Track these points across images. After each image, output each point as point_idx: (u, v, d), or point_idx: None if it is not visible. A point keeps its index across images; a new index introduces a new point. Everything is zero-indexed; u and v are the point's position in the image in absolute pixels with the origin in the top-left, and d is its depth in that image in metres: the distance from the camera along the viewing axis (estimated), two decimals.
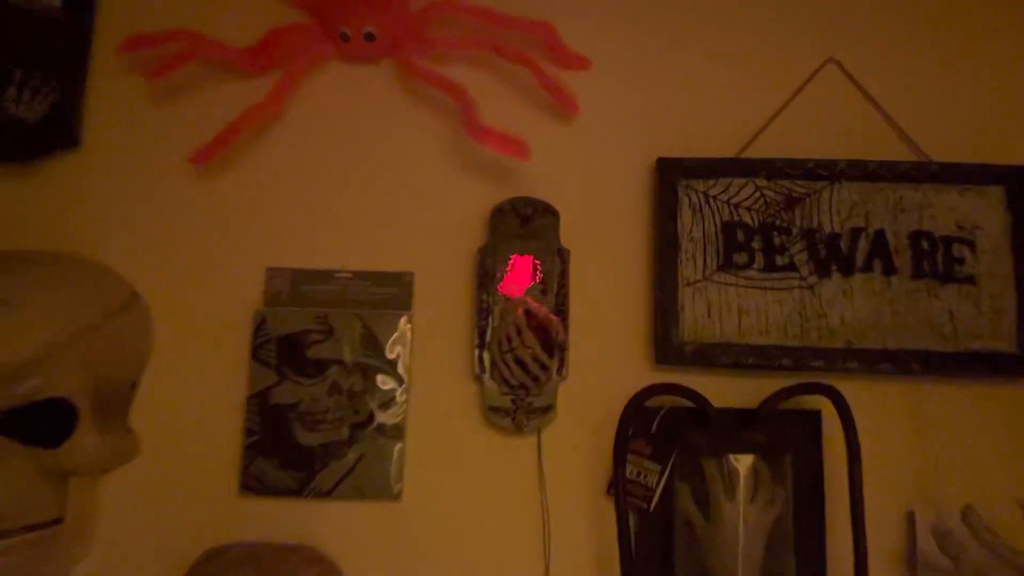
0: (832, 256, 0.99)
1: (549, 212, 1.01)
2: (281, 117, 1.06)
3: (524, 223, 1.01)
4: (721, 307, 0.98)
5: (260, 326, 1.01)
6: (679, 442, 0.95)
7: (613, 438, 0.91)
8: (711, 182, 1.01)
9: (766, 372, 0.98)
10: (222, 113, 1.02)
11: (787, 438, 0.95)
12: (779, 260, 0.99)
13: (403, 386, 0.99)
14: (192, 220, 1.04)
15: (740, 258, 0.99)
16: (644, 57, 1.07)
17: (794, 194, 1.01)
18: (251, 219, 1.04)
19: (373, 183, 1.05)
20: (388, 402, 0.99)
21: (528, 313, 0.96)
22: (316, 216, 1.04)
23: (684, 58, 1.07)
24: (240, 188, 1.05)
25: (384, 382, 0.99)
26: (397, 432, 0.98)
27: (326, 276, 1.03)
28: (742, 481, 0.92)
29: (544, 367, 0.95)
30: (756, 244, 1.00)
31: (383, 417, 0.98)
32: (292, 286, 1.03)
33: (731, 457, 0.93)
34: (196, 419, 0.99)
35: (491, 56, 1.04)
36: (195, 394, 1.00)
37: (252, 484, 0.97)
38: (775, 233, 1.00)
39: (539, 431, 0.98)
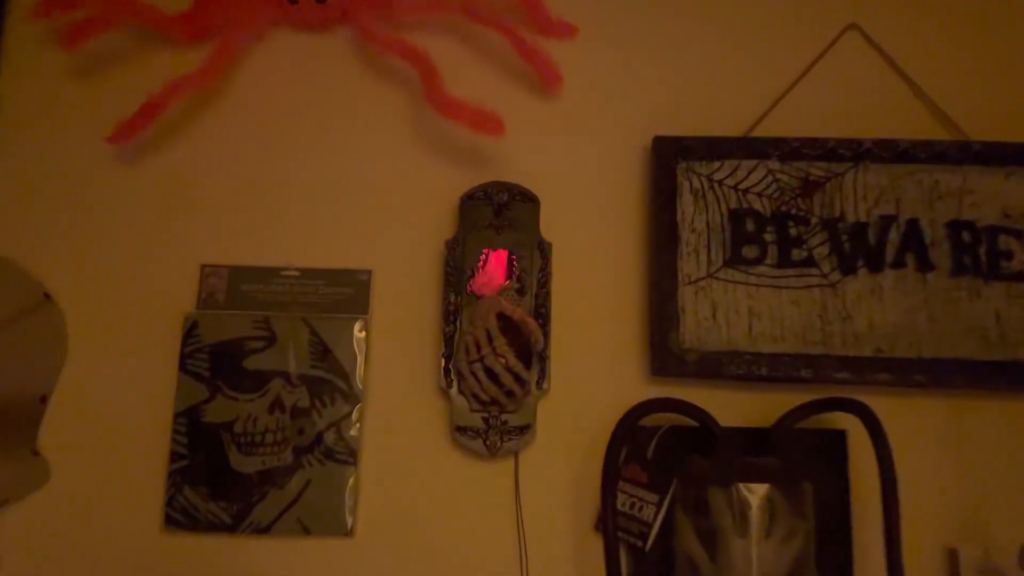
0: (858, 249, 0.85)
1: (527, 199, 0.87)
2: (219, 91, 0.92)
3: (498, 212, 0.87)
4: (728, 309, 0.84)
5: (190, 332, 0.86)
6: (680, 468, 0.80)
7: (602, 463, 0.76)
8: (716, 164, 0.87)
9: (782, 385, 0.83)
10: (154, 88, 0.88)
11: (807, 463, 0.80)
12: (796, 254, 0.85)
13: (357, 402, 0.85)
14: (115, 210, 0.91)
15: (750, 252, 0.85)
16: (637, 23, 0.93)
17: (812, 178, 0.86)
18: (184, 209, 0.91)
19: (326, 168, 0.91)
20: (340, 421, 0.84)
21: (502, 316, 0.82)
22: (259, 206, 0.91)
23: (684, 24, 0.93)
24: (171, 173, 0.92)
25: (335, 398, 0.85)
26: (350, 456, 0.83)
27: (270, 274, 0.89)
28: (755, 514, 0.78)
29: (520, 379, 0.81)
30: (769, 235, 0.86)
31: (333, 439, 0.84)
32: (230, 286, 0.89)
33: (741, 486, 0.78)
34: (114, 441, 0.85)
35: (461, 21, 0.90)
36: (113, 411, 0.86)
37: (178, 518, 0.83)
38: (791, 223, 0.86)
39: (516, 455, 0.83)
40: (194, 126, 0.92)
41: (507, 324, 0.82)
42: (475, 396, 0.82)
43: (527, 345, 0.82)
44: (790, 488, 0.79)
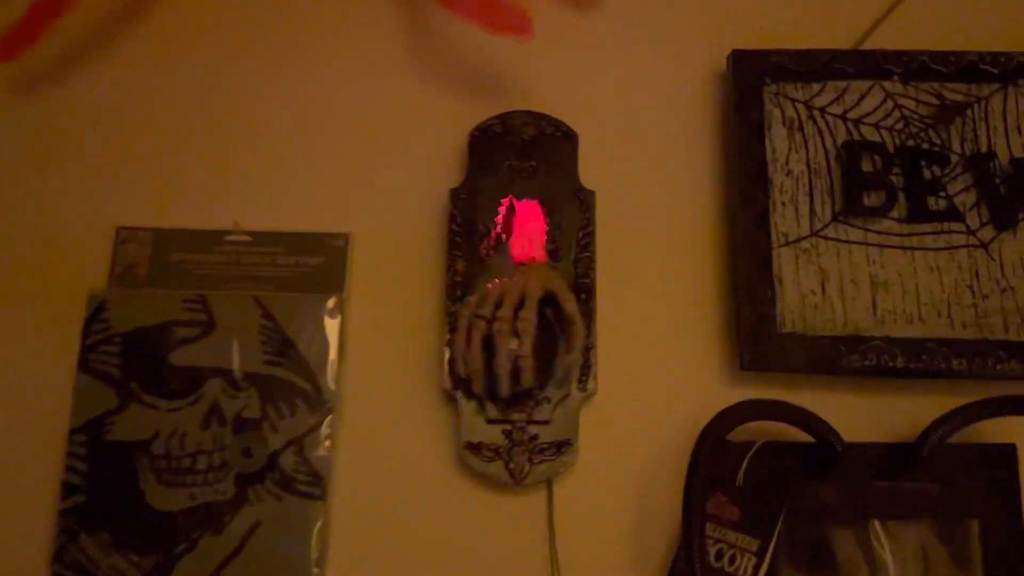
0: (1017, 196, 0.62)
1: (562, 134, 0.64)
2: None
3: (523, 152, 0.64)
4: (843, 278, 0.61)
5: (96, 316, 0.62)
6: (787, 500, 0.56)
7: (678, 496, 0.53)
8: (816, 87, 0.65)
9: (924, 382, 0.60)
10: None
11: (971, 492, 0.57)
12: (932, 203, 0.62)
13: (329, 412, 0.60)
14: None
15: (872, 199, 0.62)
16: None
17: (948, 102, 0.64)
18: (95, 153, 0.67)
19: (287, 97, 0.68)
20: (303, 437, 0.60)
21: (548, 298, 0.59)
22: (197, 148, 0.67)
23: None
24: (80, 106, 0.68)
25: (297, 405, 0.61)
26: (316, 486, 0.59)
27: (210, 239, 0.65)
28: (901, 565, 0.54)
29: (515, 381, 0.57)
30: (896, 179, 0.63)
31: (293, 462, 0.60)
32: (155, 255, 0.65)
33: (878, 525, 0.55)
34: None
35: None
36: None
37: (71, 574, 0.58)
38: (923, 163, 0.63)
39: (550, 483, 0.59)
40: (109, 42, 0.69)
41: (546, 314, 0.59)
42: (451, 360, 0.58)
43: (552, 351, 0.58)
44: (949, 527, 0.55)
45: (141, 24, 0.69)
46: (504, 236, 0.62)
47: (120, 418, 0.61)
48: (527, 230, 0.61)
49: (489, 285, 0.58)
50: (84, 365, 0.62)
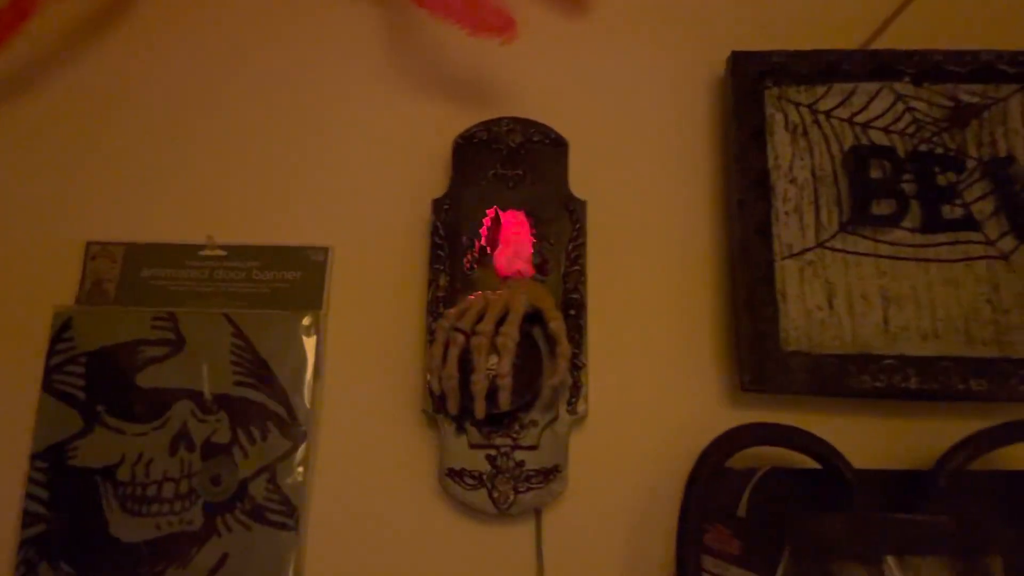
0: None
1: (551, 141, 0.61)
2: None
3: (509, 159, 0.61)
4: (851, 292, 0.57)
5: (61, 335, 0.59)
6: (793, 533, 0.52)
7: (673, 526, 0.49)
8: (820, 89, 0.61)
9: (941, 405, 0.55)
10: None
11: (992, 524, 0.52)
12: (947, 211, 0.58)
13: (303, 437, 0.57)
14: None
15: (881, 208, 0.58)
16: None
17: (963, 104, 0.60)
18: (64, 165, 0.64)
19: (265, 104, 0.65)
20: (275, 463, 0.57)
21: (532, 316, 0.55)
22: (171, 158, 0.64)
23: None
24: (48, 115, 0.66)
25: (269, 430, 0.57)
26: (290, 516, 0.56)
27: (183, 253, 0.62)
28: None
29: (491, 402, 0.53)
30: (907, 186, 0.59)
31: (265, 491, 0.56)
32: (125, 271, 0.62)
33: (891, 562, 0.50)
34: None
35: None
36: None
37: None
38: (937, 168, 0.59)
39: (538, 513, 0.55)
40: (84, 48, 0.66)
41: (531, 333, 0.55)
42: (427, 370, 0.54)
43: (536, 366, 0.55)
44: (969, 563, 0.50)
45: (112, 33, 0.67)
46: (489, 249, 0.58)
47: (84, 442, 0.57)
48: (513, 243, 0.58)
49: (472, 296, 0.55)
50: (48, 386, 0.58)
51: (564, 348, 0.54)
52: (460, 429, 0.55)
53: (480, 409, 0.53)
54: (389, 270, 0.61)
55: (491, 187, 0.60)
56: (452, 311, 0.54)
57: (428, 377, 0.54)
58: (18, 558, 0.55)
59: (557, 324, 0.54)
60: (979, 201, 0.58)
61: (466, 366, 0.53)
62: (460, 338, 0.53)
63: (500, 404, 0.53)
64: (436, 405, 0.56)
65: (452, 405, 0.53)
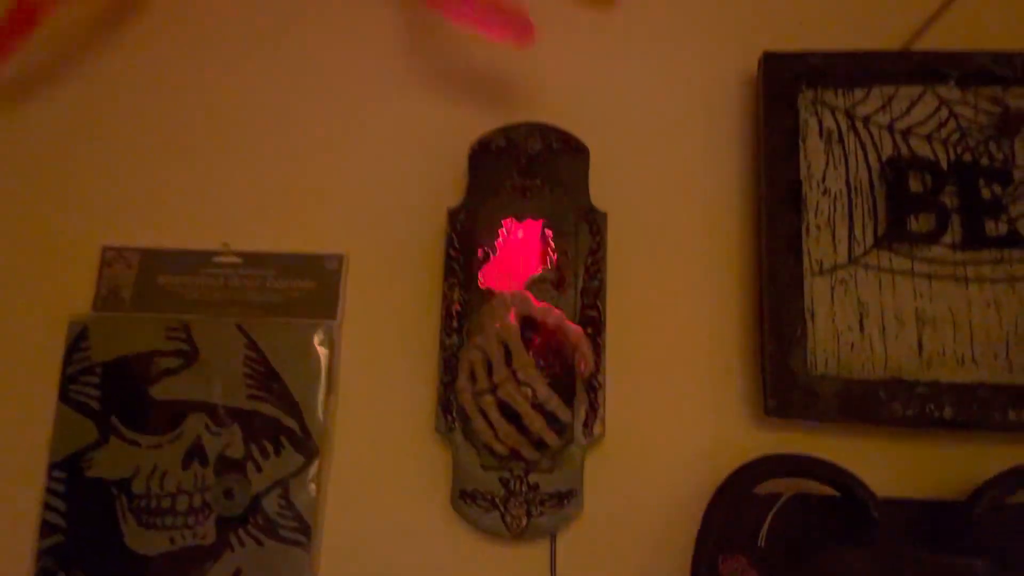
0: None
1: (571, 149, 0.59)
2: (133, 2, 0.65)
3: (528, 168, 0.58)
4: (885, 313, 0.54)
5: (77, 344, 0.59)
6: (815, 568, 0.50)
7: (689, 554, 0.47)
8: (859, 93, 0.58)
9: (977, 434, 0.53)
10: None
11: None
12: (991, 228, 0.55)
13: (316, 452, 0.56)
14: None
15: (920, 224, 0.55)
16: None
17: (1014, 109, 0.56)
18: (79, 168, 0.64)
19: (280, 110, 0.64)
20: (288, 479, 0.56)
21: (528, 322, 0.53)
22: (187, 164, 0.63)
23: None
24: (65, 117, 0.65)
25: (282, 444, 0.57)
26: (302, 533, 0.55)
27: (198, 260, 0.61)
28: None
29: (555, 422, 0.51)
30: (948, 199, 0.55)
31: (278, 506, 0.56)
32: (140, 277, 0.61)
33: None
34: None
35: None
36: None
37: None
38: (982, 180, 0.55)
39: (552, 536, 0.54)
40: (100, 51, 0.65)
41: (539, 336, 0.53)
42: (487, 447, 0.53)
43: (569, 368, 0.53)
44: None
45: (127, 39, 0.65)
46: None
47: (99, 453, 0.57)
48: (510, 256, 0.55)
49: (464, 353, 0.53)
50: (64, 396, 0.58)
51: (576, 333, 0.52)
52: (474, 450, 0.54)
53: (552, 439, 0.51)
54: (404, 280, 0.59)
55: (508, 197, 0.58)
56: (461, 379, 0.52)
57: (489, 447, 0.52)
58: (36, 568, 0.56)
59: (553, 319, 0.52)
60: None
61: (510, 413, 0.51)
62: (489, 399, 0.51)
63: (563, 419, 0.51)
64: (449, 424, 0.55)
65: (530, 453, 0.52)
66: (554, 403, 0.51)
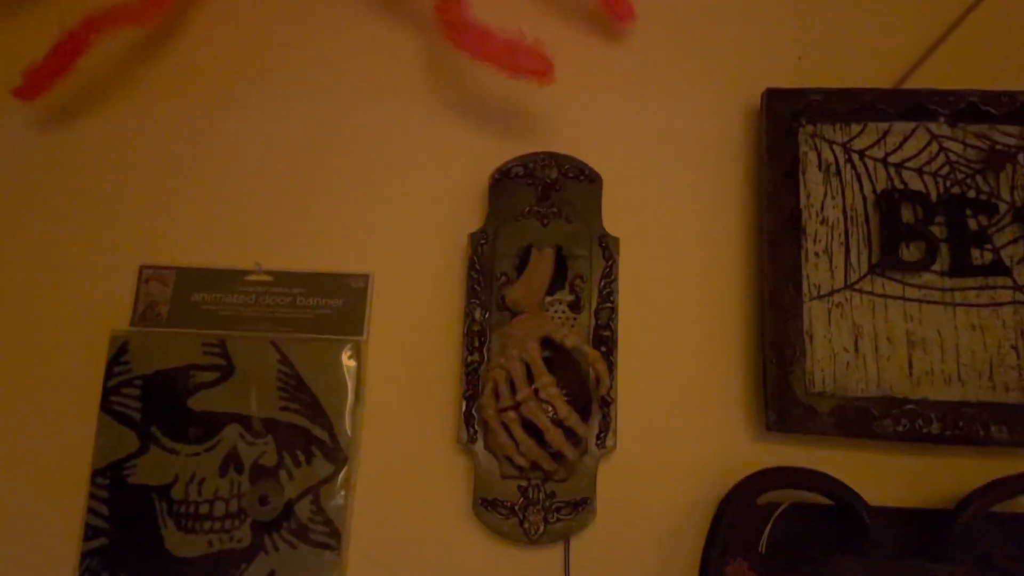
0: None
1: (586, 177, 0.62)
2: (169, 34, 0.68)
3: (544, 195, 0.62)
4: (878, 335, 0.58)
5: (118, 358, 0.63)
6: (811, 571, 0.54)
7: (695, 559, 0.51)
8: (855, 128, 0.62)
9: (962, 450, 0.57)
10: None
11: (1008, 572, 0.53)
12: (977, 256, 0.59)
13: (345, 461, 0.60)
14: (25, 190, 0.67)
15: (911, 253, 0.59)
16: None
17: (999, 147, 0.60)
18: (117, 190, 0.67)
19: (308, 138, 0.67)
20: (319, 486, 0.60)
21: (548, 344, 0.57)
22: (220, 188, 0.67)
23: None
24: (104, 144, 0.68)
25: (313, 453, 0.60)
26: (332, 537, 0.59)
27: (231, 279, 0.65)
28: None
29: (573, 436, 0.55)
30: (938, 229, 0.59)
31: (309, 511, 0.59)
32: (176, 295, 0.65)
33: None
34: (8, 503, 0.61)
35: None
36: (8, 463, 0.62)
37: None
38: (969, 211, 0.59)
39: (566, 542, 0.58)
40: (135, 81, 0.69)
41: (555, 355, 0.57)
42: (508, 459, 0.56)
43: (584, 385, 0.57)
44: None
45: (164, 63, 0.69)
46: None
47: (141, 461, 0.61)
48: (529, 280, 0.59)
49: (490, 372, 0.57)
50: (106, 407, 0.62)
51: (593, 355, 0.56)
52: (495, 460, 0.58)
53: (571, 452, 0.55)
54: (427, 299, 0.63)
55: (526, 222, 0.61)
56: (487, 397, 0.56)
57: (511, 460, 0.56)
58: (80, 569, 0.59)
59: (572, 340, 0.56)
60: (1009, 246, 0.58)
61: (532, 429, 0.55)
62: (512, 415, 0.55)
63: (580, 434, 0.55)
64: (471, 435, 0.58)
65: (549, 465, 0.55)
66: (573, 419, 0.54)
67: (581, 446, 0.57)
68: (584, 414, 0.56)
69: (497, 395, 0.56)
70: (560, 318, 0.59)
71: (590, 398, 0.57)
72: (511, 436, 0.55)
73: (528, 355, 0.55)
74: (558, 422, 0.54)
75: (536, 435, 0.55)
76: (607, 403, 0.58)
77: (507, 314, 0.60)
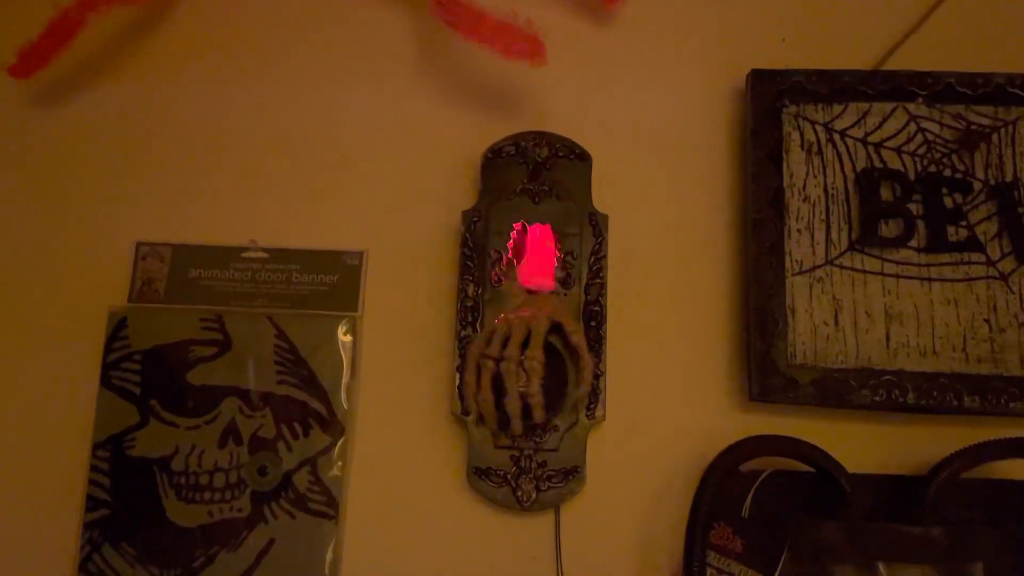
0: None
1: (575, 156, 0.64)
2: (162, 11, 0.69)
3: (535, 173, 0.64)
4: (856, 309, 0.60)
5: (117, 333, 0.64)
6: (792, 536, 0.57)
7: (683, 523, 0.53)
8: (837, 108, 0.63)
9: (936, 418, 0.59)
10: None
11: (978, 533, 0.56)
12: (952, 233, 0.61)
13: (341, 432, 0.62)
14: (21, 167, 0.68)
15: (889, 229, 0.61)
16: None
17: (974, 127, 0.62)
18: (113, 167, 0.68)
19: (303, 115, 0.68)
20: (316, 457, 0.61)
21: (555, 330, 0.59)
22: (215, 165, 0.68)
23: None
24: (99, 121, 0.69)
25: (310, 425, 0.62)
26: (330, 506, 0.61)
27: (227, 256, 0.66)
28: None
29: (527, 418, 0.57)
30: (915, 207, 0.61)
31: (307, 482, 0.61)
32: (173, 271, 0.66)
33: (883, 568, 0.54)
34: (9, 479, 0.63)
35: None
36: (9, 439, 0.63)
37: None
38: (945, 189, 0.61)
39: (557, 509, 0.60)
40: (129, 58, 0.69)
41: (553, 347, 0.59)
42: (461, 396, 0.59)
43: (563, 384, 0.59)
44: (955, 568, 0.55)
45: (159, 41, 0.70)
46: (515, 261, 0.62)
47: (141, 434, 0.62)
48: (537, 256, 0.61)
49: (497, 320, 0.58)
50: (106, 381, 0.63)
51: (586, 361, 0.58)
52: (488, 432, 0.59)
53: (518, 427, 0.57)
54: (421, 275, 0.64)
55: (518, 200, 0.63)
56: (479, 338, 0.58)
57: (465, 400, 0.58)
58: (82, 539, 0.61)
59: (578, 338, 0.58)
60: (983, 223, 0.61)
61: (499, 388, 0.57)
62: (490, 364, 0.57)
63: (535, 418, 0.57)
64: (464, 407, 0.60)
65: (490, 423, 0.58)
66: (536, 400, 0.56)
67: (532, 432, 0.58)
68: (550, 406, 0.58)
69: (488, 339, 0.58)
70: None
71: (564, 396, 0.59)
72: (478, 381, 0.57)
73: (535, 326, 0.57)
74: (523, 395, 0.56)
75: (497, 393, 0.57)
76: (597, 375, 0.60)
77: (499, 290, 0.61)
